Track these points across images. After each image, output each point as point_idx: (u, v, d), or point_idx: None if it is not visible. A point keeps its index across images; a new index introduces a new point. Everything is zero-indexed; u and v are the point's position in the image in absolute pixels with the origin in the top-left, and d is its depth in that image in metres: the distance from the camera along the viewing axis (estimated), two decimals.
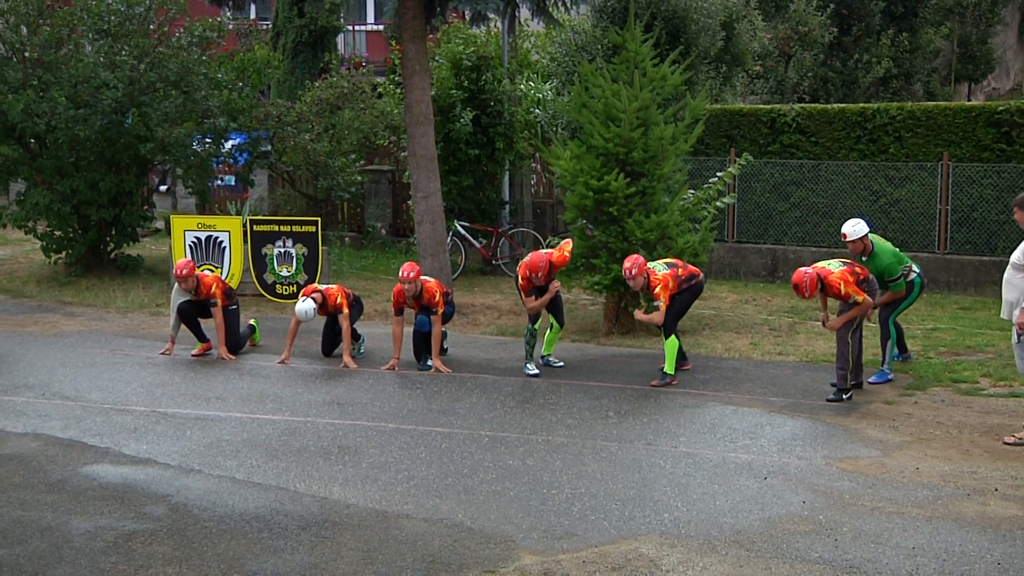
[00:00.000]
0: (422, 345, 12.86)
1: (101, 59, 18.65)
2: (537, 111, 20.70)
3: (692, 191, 15.22)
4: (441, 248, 16.07)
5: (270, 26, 29.56)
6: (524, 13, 19.40)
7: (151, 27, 19.36)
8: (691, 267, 12.67)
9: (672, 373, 12.01)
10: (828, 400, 11.16)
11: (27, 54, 18.92)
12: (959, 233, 17.80)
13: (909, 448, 9.70)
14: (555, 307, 12.92)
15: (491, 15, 17.76)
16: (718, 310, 16.40)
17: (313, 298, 13.03)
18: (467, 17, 17.92)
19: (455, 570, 7.16)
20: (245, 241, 17.30)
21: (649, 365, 12.81)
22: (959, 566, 7.14)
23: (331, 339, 13.48)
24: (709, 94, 20.35)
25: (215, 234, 17.43)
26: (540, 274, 12.34)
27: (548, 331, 13.08)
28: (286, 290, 17.07)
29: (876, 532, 7.72)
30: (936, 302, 16.74)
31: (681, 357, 12.33)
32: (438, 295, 12.64)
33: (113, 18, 18.95)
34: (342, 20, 29.70)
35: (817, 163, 18.94)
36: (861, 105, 19.74)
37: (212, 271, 16.10)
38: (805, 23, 28.21)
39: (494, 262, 20.07)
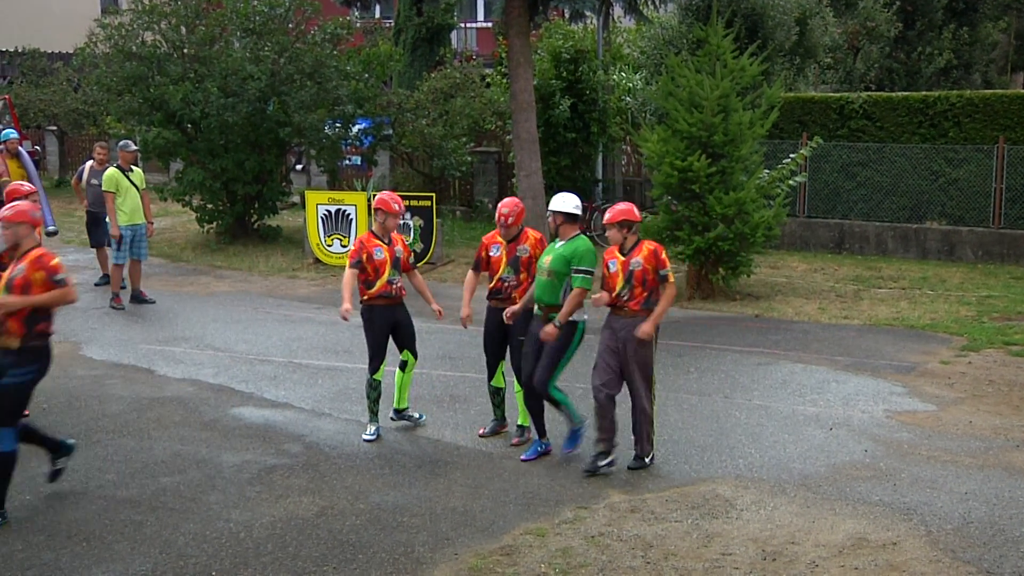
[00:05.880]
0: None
1: (247, 54, 18.89)
2: (628, 99, 20.51)
3: (767, 171, 15.01)
4: (542, 221, 16.06)
5: (392, 24, 29.66)
6: (617, 11, 19.16)
7: (290, 26, 19.54)
8: None
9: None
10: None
11: (185, 51, 19.25)
12: (1012, 209, 17.31)
13: (963, 404, 9.49)
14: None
15: (588, 13, 17.68)
16: (790, 278, 16.15)
17: None
18: (566, 15, 17.81)
19: (552, 505, 7.20)
20: (369, 214, 17.46)
21: (727, 327, 12.69)
22: (1008, 510, 6.98)
23: None
24: (784, 84, 19.92)
25: (343, 207, 17.62)
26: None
27: None
28: None
29: (931, 478, 7.58)
30: (990, 272, 16.30)
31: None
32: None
33: (258, 18, 19.17)
34: (456, 18, 29.66)
35: (882, 146, 18.50)
36: (923, 93, 19.23)
37: (341, 240, 16.33)
38: (872, 18, 27.44)
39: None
